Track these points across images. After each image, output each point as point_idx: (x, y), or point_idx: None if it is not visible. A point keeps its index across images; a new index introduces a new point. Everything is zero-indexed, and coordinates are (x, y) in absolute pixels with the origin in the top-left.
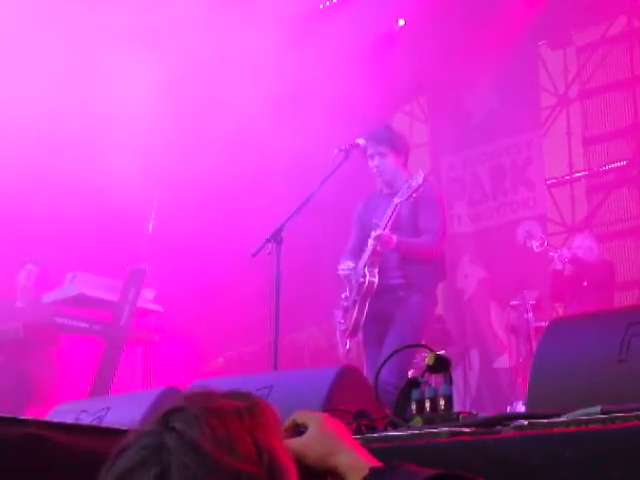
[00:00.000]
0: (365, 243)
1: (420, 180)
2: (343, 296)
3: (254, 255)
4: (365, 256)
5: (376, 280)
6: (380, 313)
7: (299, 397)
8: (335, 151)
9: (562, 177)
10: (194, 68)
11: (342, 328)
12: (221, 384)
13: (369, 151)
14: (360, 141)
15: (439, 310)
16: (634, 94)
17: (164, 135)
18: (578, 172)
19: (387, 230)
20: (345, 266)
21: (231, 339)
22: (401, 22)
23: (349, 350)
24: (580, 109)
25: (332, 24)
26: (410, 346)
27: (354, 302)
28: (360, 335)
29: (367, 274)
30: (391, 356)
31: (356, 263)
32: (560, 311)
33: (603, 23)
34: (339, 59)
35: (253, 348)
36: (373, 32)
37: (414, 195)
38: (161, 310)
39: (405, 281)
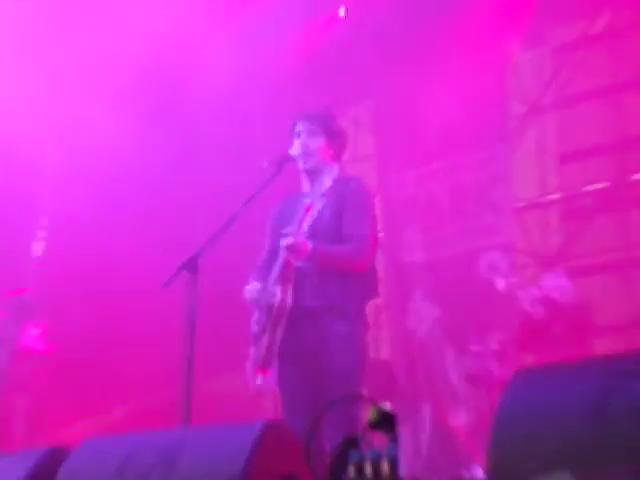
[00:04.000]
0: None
1: (334, 174)
2: (253, 321)
3: (164, 286)
4: (275, 271)
5: (289, 300)
6: (300, 348)
7: (215, 458)
8: (264, 164)
9: (533, 200)
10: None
11: (252, 359)
12: (119, 442)
13: (297, 128)
14: (295, 152)
15: (385, 355)
16: (618, 103)
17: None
18: (551, 194)
19: (300, 237)
20: (251, 287)
21: (134, 386)
22: (342, 12)
23: (261, 387)
24: (555, 120)
25: (268, 13)
26: (346, 398)
27: (264, 328)
28: (274, 375)
29: (278, 293)
30: (325, 412)
31: (266, 281)
32: (529, 359)
33: (583, 20)
34: (274, 53)
35: (160, 397)
36: (312, 22)
37: (326, 195)
38: (48, 350)
39: (325, 302)
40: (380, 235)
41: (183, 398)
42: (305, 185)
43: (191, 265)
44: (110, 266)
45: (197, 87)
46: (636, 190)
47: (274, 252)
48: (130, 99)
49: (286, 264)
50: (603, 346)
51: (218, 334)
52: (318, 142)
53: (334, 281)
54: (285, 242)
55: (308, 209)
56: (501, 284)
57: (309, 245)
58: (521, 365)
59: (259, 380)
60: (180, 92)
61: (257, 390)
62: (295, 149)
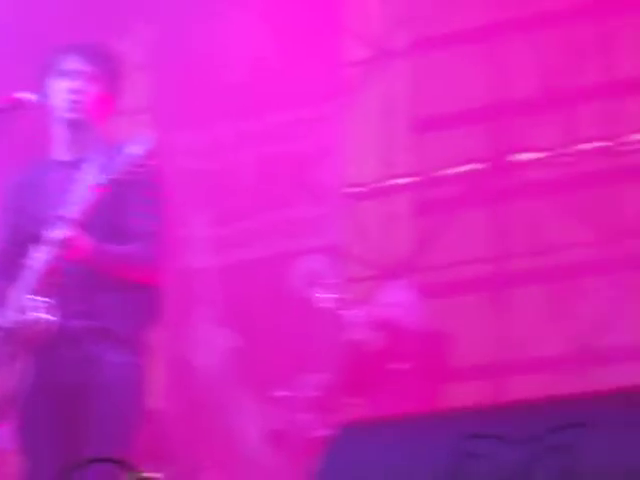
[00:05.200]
0: (22, 253)
1: (145, 147)
2: None
3: None
4: (30, 276)
5: (51, 318)
6: (56, 383)
7: None
8: None
9: (374, 184)
10: None
11: None
12: None
13: (65, 65)
14: (30, 96)
15: (155, 402)
16: (496, 51)
17: None
18: (401, 177)
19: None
20: None
21: None
22: None
23: None
24: (408, 70)
25: None
26: (97, 459)
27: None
28: (16, 424)
29: (36, 308)
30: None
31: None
32: (357, 409)
33: None
34: None
35: None
36: None
37: (130, 173)
38: None
39: (93, 323)
40: None
41: None
42: (62, 149)
43: None
44: None
45: None
46: (517, 175)
47: (17, 246)
48: None
49: (53, 266)
50: (461, 392)
51: None
52: (95, 90)
53: (106, 294)
54: (56, 234)
55: (99, 189)
56: (323, 302)
57: (90, 243)
58: (346, 418)
59: None
60: None
61: None
62: (60, 96)
